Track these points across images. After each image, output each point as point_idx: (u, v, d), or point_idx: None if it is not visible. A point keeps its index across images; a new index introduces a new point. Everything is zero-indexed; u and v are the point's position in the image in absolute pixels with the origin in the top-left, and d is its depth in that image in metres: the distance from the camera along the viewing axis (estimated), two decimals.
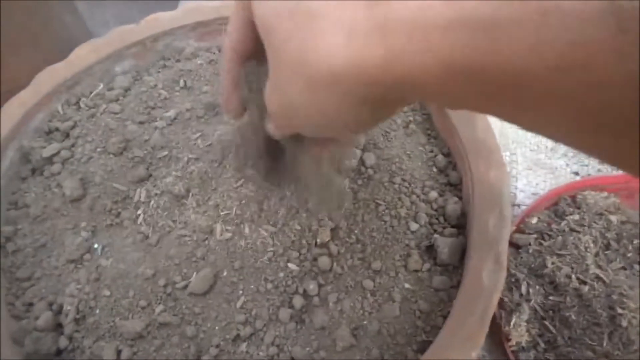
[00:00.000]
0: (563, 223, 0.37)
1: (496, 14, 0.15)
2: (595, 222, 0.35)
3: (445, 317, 0.31)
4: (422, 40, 0.16)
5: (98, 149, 0.40)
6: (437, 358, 0.27)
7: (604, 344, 0.29)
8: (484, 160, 0.34)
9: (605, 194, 0.37)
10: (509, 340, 0.33)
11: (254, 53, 0.25)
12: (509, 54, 0.15)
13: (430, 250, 0.33)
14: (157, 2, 0.62)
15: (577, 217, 0.37)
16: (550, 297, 0.32)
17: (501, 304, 0.35)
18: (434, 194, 0.35)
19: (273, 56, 0.21)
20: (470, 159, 0.34)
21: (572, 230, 0.36)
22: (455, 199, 0.35)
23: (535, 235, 0.37)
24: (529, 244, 0.36)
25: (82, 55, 0.45)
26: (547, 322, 0.32)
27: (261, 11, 0.20)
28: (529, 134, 0.47)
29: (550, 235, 0.36)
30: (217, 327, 0.31)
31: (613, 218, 0.35)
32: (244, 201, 0.34)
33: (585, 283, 0.32)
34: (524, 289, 0.34)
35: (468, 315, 0.27)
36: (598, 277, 0.32)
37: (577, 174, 0.43)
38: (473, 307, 0.28)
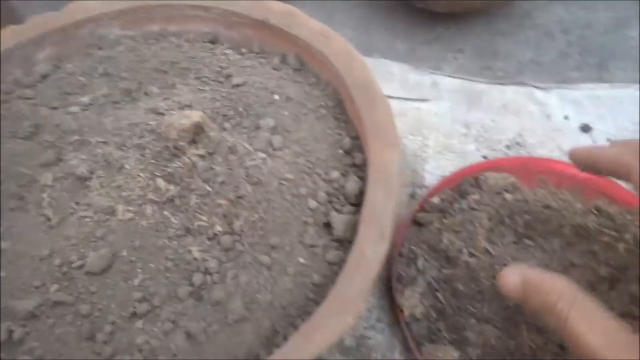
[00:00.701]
0: (464, 202, 0.38)
1: None
2: (492, 201, 0.37)
3: None
4: None
5: (7, 134, 0.39)
6: (316, 325, 0.27)
7: (485, 312, 0.31)
8: (380, 141, 0.35)
9: (505, 174, 0.39)
10: (402, 312, 0.34)
11: None
12: None
13: (327, 226, 0.35)
14: None
15: (477, 196, 0.38)
16: (444, 270, 0.34)
17: (399, 278, 0.36)
18: (335, 174, 0.36)
19: None
20: (369, 140, 0.36)
21: (471, 208, 0.38)
22: (356, 178, 0.36)
23: (437, 214, 0.38)
24: (431, 222, 0.38)
25: (3, 40, 0.45)
26: (439, 294, 0.34)
27: None
28: (445, 120, 0.49)
29: (451, 214, 0.38)
30: (112, 305, 0.32)
31: (508, 196, 0.37)
32: (149, 183, 0.35)
33: (474, 256, 0.33)
34: (420, 263, 0.35)
35: (348, 286, 0.29)
36: (487, 250, 0.34)
37: (485, 157, 0.45)
38: (353, 277, 0.29)
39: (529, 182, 0.42)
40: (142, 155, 0.36)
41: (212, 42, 0.48)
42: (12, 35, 0.46)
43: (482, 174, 0.40)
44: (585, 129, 0.48)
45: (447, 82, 0.51)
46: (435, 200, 0.39)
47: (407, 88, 0.51)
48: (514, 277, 0.26)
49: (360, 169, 0.38)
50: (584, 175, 0.42)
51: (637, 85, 0.50)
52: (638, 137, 0.47)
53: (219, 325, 0.31)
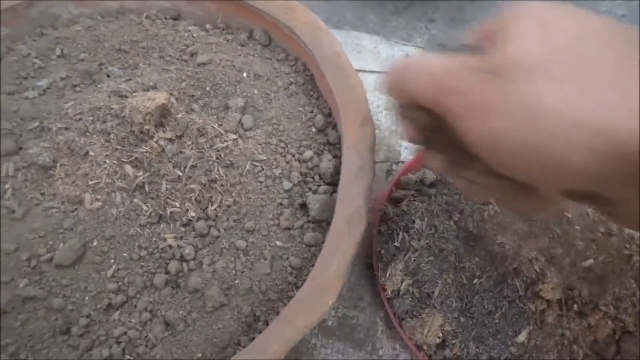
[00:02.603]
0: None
1: None
2: None
3: None
4: None
5: None
6: (296, 309, 0.27)
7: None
8: (352, 116, 0.34)
9: None
10: (385, 290, 0.34)
11: None
12: None
13: (304, 207, 0.34)
14: None
15: None
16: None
17: (379, 257, 0.36)
18: (309, 153, 0.36)
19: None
20: (342, 117, 0.35)
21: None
22: (330, 156, 0.36)
23: (412, 191, 0.38)
24: (407, 197, 0.38)
25: None
26: (417, 260, 0.34)
27: None
28: None
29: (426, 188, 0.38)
30: (86, 298, 0.31)
31: None
32: (116, 169, 0.34)
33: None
34: (398, 240, 0.35)
35: (327, 268, 0.28)
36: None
37: None
38: (332, 259, 0.29)
39: None
40: (107, 141, 0.34)
41: (175, 18, 0.46)
42: None
43: None
44: None
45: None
46: (413, 176, 0.39)
47: (379, 61, 0.50)
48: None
49: (335, 147, 0.37)
50: None
51: None
52: None
53: (198, 313, 0.31)
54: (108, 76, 0.40)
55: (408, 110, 0.23)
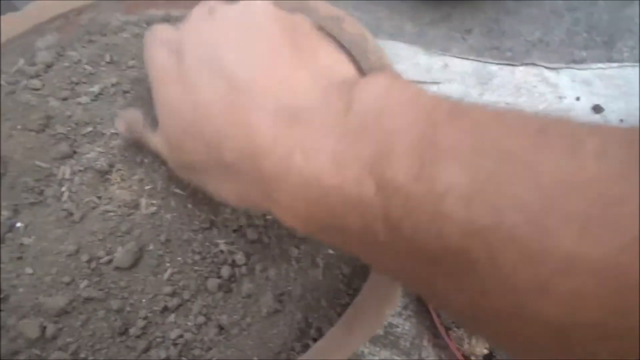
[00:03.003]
0: None
1: None
2: None
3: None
4: None
5: (18, 126, 0.38)
6: (354, 317, 0.28)
7: None
8: None
9: None
10: None
11: None
12: None
13: None
14: None
15: None
16: None
17: None
18: None
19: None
20: None
21: None
22: None
23: None
24: None
25: (2, 29, 0.44)
26: None
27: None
28: None
29: None
30: (144, 300, 0.32)
31: None
32: (170, 175, 0.34)
33: None
34: None
35: (383, 277, 0.29)
36: None
37: None
38: None
39: None
40: None
41: None
42: (11, 22, 0.44)
43: None
44: (597, 109, 0.48)
45: (458, 64, 0.51)
46: None
47: (417, 71, 0.50)
48: None
49: None
50: None
51: None
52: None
53: (252, 318, 0.31)
54: None
55: None
